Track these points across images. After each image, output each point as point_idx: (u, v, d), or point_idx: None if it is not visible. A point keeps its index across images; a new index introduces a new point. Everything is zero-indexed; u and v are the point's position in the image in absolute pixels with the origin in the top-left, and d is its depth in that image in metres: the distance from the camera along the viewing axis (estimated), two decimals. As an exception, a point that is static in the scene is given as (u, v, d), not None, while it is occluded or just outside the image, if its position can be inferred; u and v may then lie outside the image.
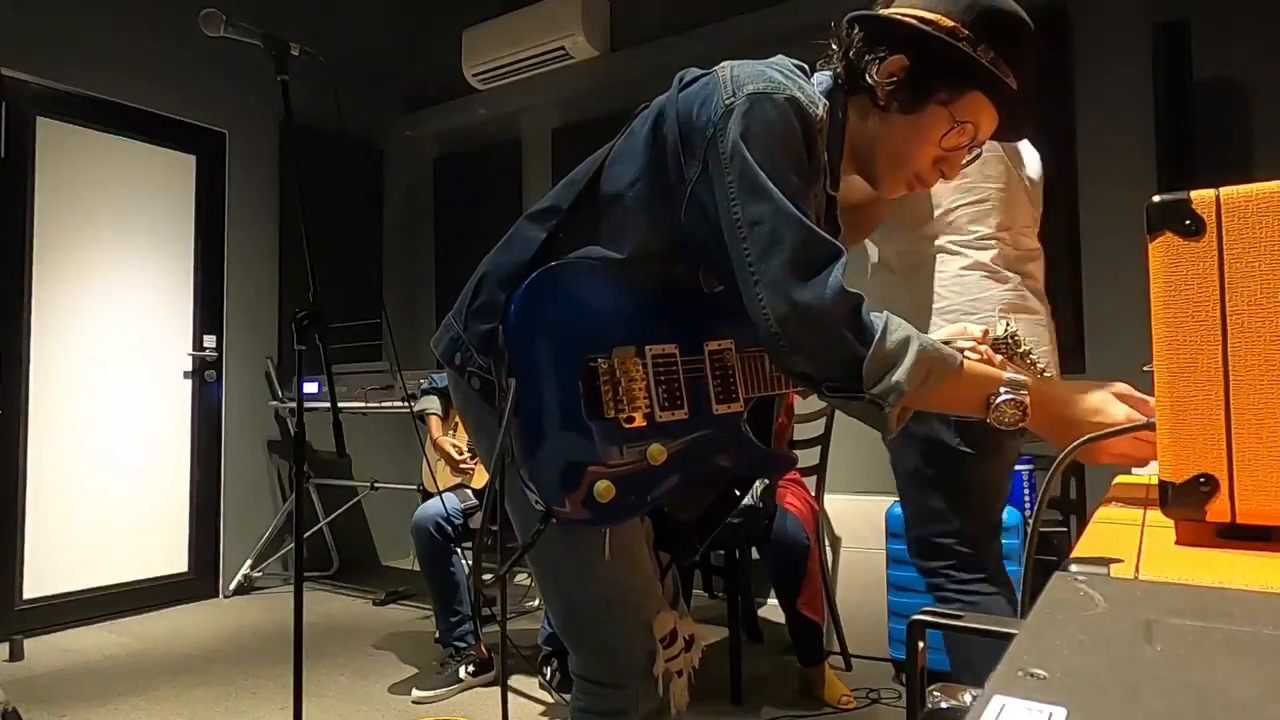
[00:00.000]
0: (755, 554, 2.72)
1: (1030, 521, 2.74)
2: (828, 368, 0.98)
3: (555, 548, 1.12)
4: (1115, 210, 3.18)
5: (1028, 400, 0.99)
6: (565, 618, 1.18)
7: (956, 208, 1.68)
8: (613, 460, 1.04)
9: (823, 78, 1.17)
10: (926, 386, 0.97)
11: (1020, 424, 1.00)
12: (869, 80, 1.12)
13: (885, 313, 1.00)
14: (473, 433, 1.21)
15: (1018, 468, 2.97)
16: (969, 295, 1.65)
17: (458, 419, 3.17)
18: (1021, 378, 1.02)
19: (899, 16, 1.11)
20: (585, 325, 1.06)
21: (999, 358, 1.25)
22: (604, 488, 1.02)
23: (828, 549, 3.03)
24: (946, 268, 1.67)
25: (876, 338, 0.96)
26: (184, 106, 4.05)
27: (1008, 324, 1.31)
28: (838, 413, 2.97)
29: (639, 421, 1.06)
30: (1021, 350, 1.29)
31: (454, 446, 3.04)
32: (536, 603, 3.79)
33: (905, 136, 1.14)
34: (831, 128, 1.12)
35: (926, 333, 1.06)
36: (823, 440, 2.94)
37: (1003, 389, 1.00)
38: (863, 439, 3.69)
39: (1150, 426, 0.80)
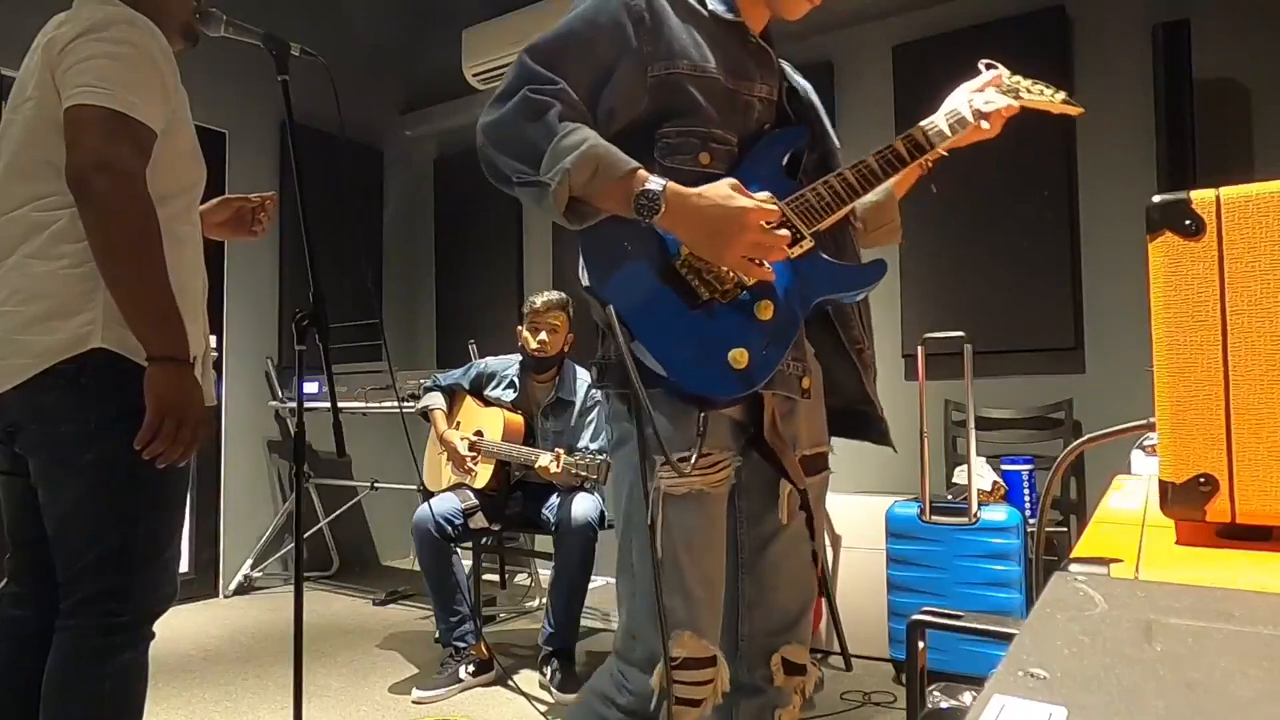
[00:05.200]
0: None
1: (1032, 521, 2.74)
2: (516, 165, 1.12)
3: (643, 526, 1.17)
4: (1115, 210, 3.18)
5: (663, 193, 1.09)
6: (617, 578, 1.24)
7: None
8: (731, 331, 1.14)
9: None
10: (596, 181, 1.08)
11: (659, 211, 1.09)
12: None
13: (576, 123, 1.11)
14: (611, 436, 1.28)
15: (1018, 467, 2.97)
16: None
17: (459, 419, 3.17)
18: (662, 181, 1.10)
19: None
20: (644, 241, 1.16)
21: (1013, 100, 1.31)
22: (737, 354, 1.13)
23: (828, 549, 3.03)
24: None
25: (557, 136, 1.09)
26: (184, 106, 4.04)
27: (995, 67, 1.36)
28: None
29: (733, 292, 1.16)
30: (1029, 84, 1.35)
31: (463, 439, 3.03)
32: (537, 602, 3.79)
33: None
34: None
35: None
36: (823, 440, 2.94)
37: (646, 182, 1.10)
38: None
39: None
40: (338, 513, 4.41)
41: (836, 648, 2.91)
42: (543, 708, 2.60)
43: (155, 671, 1.52)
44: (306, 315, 1.67)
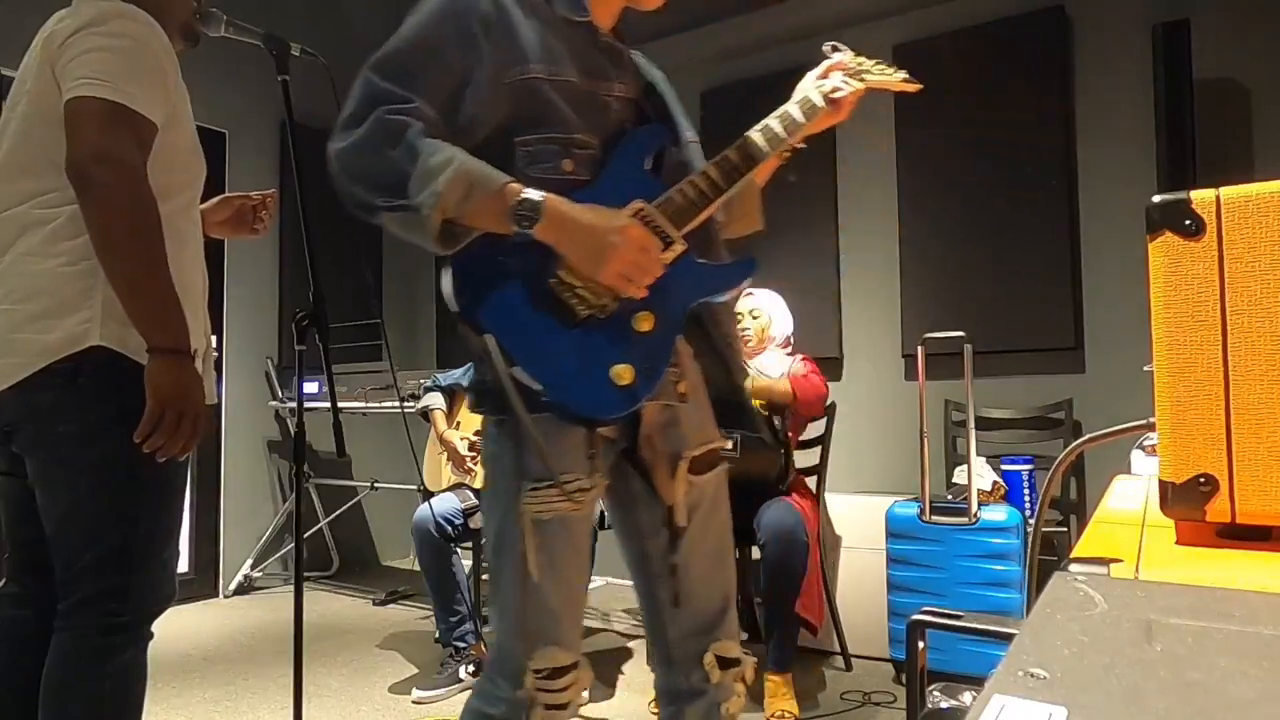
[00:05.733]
0: (756, 553, 2.71)
1: (1031, 521, 2.74)
2: (379, 192, 1.08)
3: (510, 540, 1.18)
4: (1115, 210, 3.18)
5: (543, 203, 1.08)
6: (489, 594, 1.24)
7: None
8: (613, 347, 1.14)
9: None
10: (471, 200, 1.06)
11: (537, 222, 1.08)
12: None
13: (437, 140, 1.08)
14: (483, 451, 1.27)
15: (1018, 467, 2.97)
16: None
17: (459, 419, 3.17)
18: (540, 192, 1.08)
19: None
20: (515, 262, 1.13)
21: (859, 83, 1.33)
22: (620, 371, 1.12)
23: (828, 549, 3.03)
24: None
25: (421, 157, 1.06)
26: (184, 106, 4.04)
27: (840, 49, 1.39)
28: (838, 413, 2.97)
29: (611, 306, 1.15)
30: (871, 64, 1.38)
31: (463, 439, 3.03)
32: (536, 603, 3.78)
33: None
34: None
35: None
36: (823, 440, 2.94)
37: (523, 193, 1.08)
38: (862, 439, 3.70)
39: None
40: (338, 513, 4.41)
41: (837, 647, 2.91)
42: (543, 708, 2.60)
43: (155, 671, 1.52)
44: (306, 315, 1.67)
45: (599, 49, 1.24)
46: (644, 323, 1.16)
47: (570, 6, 1.22)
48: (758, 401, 2.61)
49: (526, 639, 1.18)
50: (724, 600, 1.33)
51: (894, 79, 1.38)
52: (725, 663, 1.30)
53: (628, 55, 1.29)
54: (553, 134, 1.16)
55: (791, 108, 1.29)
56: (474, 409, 1.26)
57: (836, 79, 1.32)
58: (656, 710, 1.37)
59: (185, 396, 1.32)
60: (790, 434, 2.72)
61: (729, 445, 1.37)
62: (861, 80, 1.34)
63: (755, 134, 1.25)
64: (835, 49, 1.37)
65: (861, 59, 1.37)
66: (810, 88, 1.31)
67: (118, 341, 1.33)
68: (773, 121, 1.27)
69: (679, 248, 1.18)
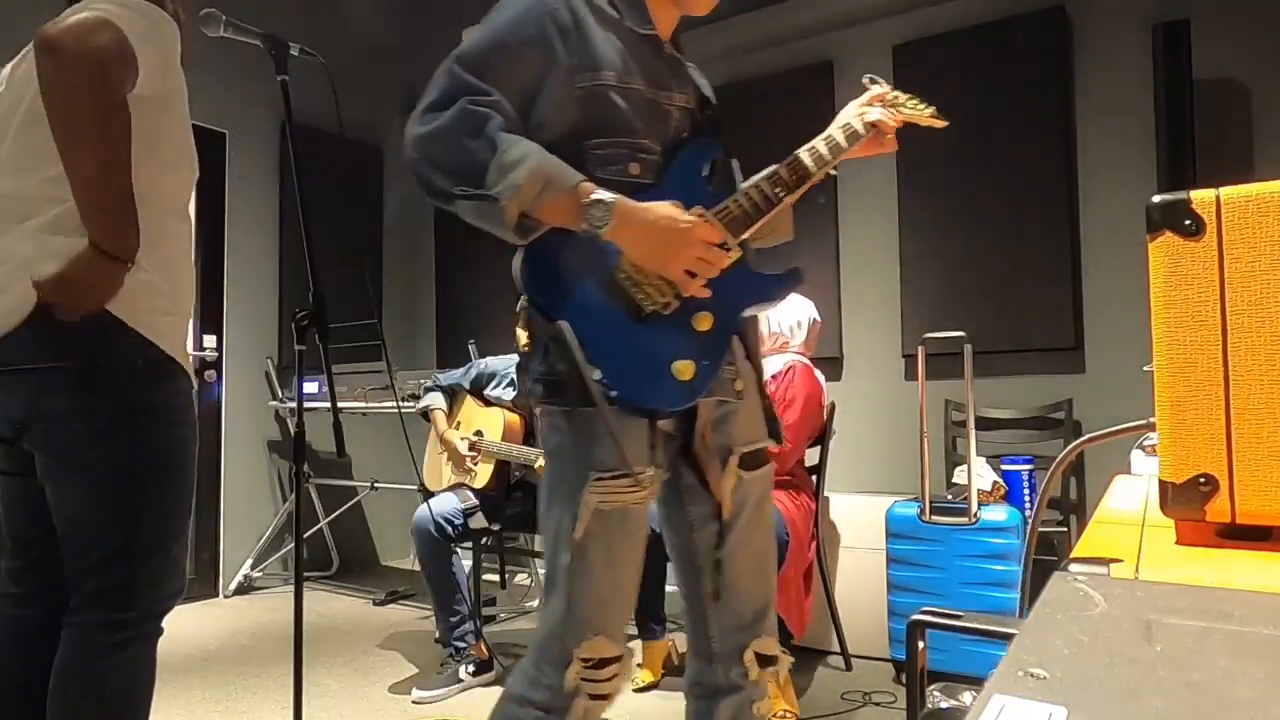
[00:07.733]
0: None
1: (1030, 521, 2.73)
2: (457, 179, 1.13)
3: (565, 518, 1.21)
4: (1115, 210, 3.18)
5: (614, 205, 1.13)
6: (544, 582, 1.26)
7: None
8: (676, 342, 1.19)
9: None
10: (546, 195, 1.11)
11: (608, 224, 1.13)
12: None
13: (514, 135, 1.14)
14: (546, 442, 1.27)
15: (1018, 468, 2.97)
16: None
17: (460, 419, 3.17)
18: (611, 194, 1.13)
19: None
20: (585, 254, 1.18)
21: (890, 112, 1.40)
22: (682, 366, 1.18)
23: (827, 549, 3.03)
24: None
25: (500, 150, 1.11)
26: (184, 106, 4.03)
27: (878, 82, 1.45)
28: (838, 413, 2.97)
29: (674, 304, 1.20)
30: (905, 98, 1.45)
31: (463, 439, 3.03)
32: (537, 602, 3.79)
33: None
34: None
35: None
36: (822, 440, 2.93)
37: (594, 194, 1.13)
38: (862, 439, 3.70)
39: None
40: (338, 513, 4.41)
41: (836, 647, 2.91)
42: (543, 708, 2.60)
43: (156, 671, 1.52)
44: (306, 315, 1.67)
45: (662, 60, 1.31)
46: (703, 322, 1.21)
47: (638, 19, 1.29)
48: None
49: (576, 628, 1.20)
50: (765, 597, 1.36)
51: (924, 113, 1.45)
52: (764, 660, 1.33)
53: (685, 67, 1.36)
54: (621, 138, 1.23)
55: (835, 132, 1.36)
56: (541, 400, 1.25)
57: (878, 111, 1.39)
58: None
59: (92, 299, 1.30)
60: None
61: (775, 446, 1.40)
62: (899, 112, 1.42)
63: (804, 154, 1.32)
64: (874, 81, 1.45)
65: (897, 93, 1.44)
66: (852, 115, 1.39)
67: (147, 328, 1.34)
68: (819, 143, 1.34)
69: (735, 254, 1.24)
